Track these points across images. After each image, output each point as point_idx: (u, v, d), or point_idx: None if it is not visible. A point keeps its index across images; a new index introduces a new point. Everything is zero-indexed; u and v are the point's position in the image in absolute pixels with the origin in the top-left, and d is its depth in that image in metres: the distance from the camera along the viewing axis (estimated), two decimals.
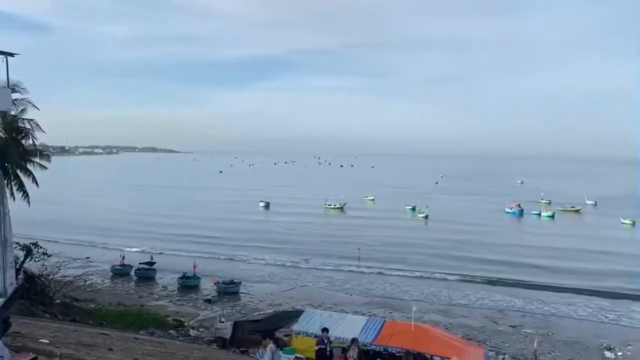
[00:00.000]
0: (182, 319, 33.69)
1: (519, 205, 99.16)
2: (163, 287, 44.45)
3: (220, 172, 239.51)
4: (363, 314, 34.22)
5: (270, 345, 19.13)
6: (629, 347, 31.36)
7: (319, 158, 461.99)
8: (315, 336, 21.72)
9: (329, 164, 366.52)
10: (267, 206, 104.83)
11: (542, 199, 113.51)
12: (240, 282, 43.29)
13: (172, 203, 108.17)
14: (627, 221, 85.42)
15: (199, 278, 44.20)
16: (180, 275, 45.06)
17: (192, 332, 30.93)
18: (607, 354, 30.13)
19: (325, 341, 20.91)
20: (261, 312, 33.44)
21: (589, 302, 41.40)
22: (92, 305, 34.83)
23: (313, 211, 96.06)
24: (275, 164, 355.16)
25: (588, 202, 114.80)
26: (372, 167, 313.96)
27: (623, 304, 40.90)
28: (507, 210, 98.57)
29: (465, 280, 47.84)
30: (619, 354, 30.16)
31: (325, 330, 21.25)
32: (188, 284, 43.78)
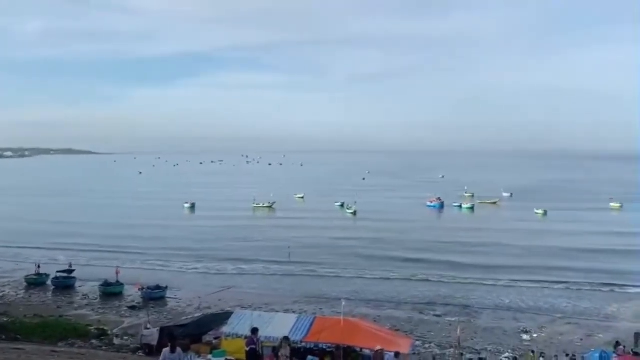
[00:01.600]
0: (105, 328, 32.16)
1: (439, 198, 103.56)
2: (84, 295, 42.22)
3: (140, 173, 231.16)
4: (294, 312, 34.31)
5: (165, 351, 16.56)
6: (543, 329, 33.47)
7: (247, 157, 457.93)
8: (245, 337, 21.48)
9: (258, 162, 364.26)
10: (192, 207, 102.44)
11: (465, 192, 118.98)
12: (166, 287, 41.98)
13: (89, 208, 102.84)
14: (539, 211, 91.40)
15: (122, 284, 42.35)
16: (101, 282, 43.00)
17: (117, 341, 29.62)
18: (524, 336, 31.99)
19: (255, 341, 20.76)
20: (189, 317, 32.60)
21: (508, 289, 43.66)
22: (5, 319, 32.51)
23: (241, 211, 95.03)
24: (201, 163, 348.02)
25: (505, 194, 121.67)
26: (302, 165, 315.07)
27: (539, 291, 43.41)
28: (429, 204, 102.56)
29: (392, 273, 49.02)
30: (534, 335, 32.11)
31: (255, 330, 21.09)
32: (110, 291, 41.85)
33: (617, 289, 43.16)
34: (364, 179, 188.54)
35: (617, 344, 28.95)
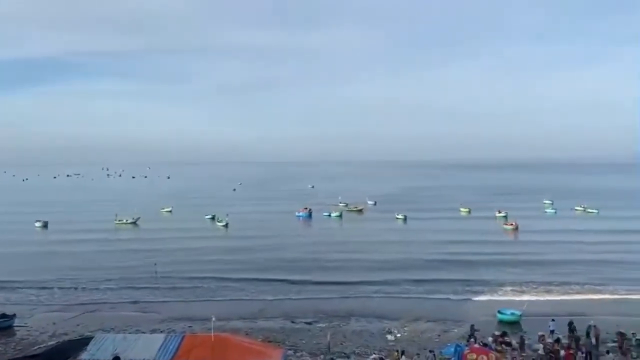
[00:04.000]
0: None
1: (306, 208, 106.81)
2: None
3: None
4: (162, 331, 32.84)
5: None
6: (405, 328, 35.64)
7: (108, 169, 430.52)
8: None
9: (120, 175, 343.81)
10: (45, 226, 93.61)
11: (340, 202, 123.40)
12: (14, 315, 37.74)
13: None
14: (400, 217, 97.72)
15: None
16: None
17: None
18: (389, 337, 33.80)
19: None
20: (42, 345, 29.63)
21: (374, 292, 45.85)
22: None
23: (102, 228, 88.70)
24: (55, 177, 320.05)
25: (369, 202, 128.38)
26: (169, 178, 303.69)
27: (403, 291, 46.23)
28: (298, 214, 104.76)
29: (263, 284, 48.96)
30: (398, 335, 34.06)
31: (116, 359, 19.83)
32: None
33: (467, 287, 47.26)
34: (234, 190, 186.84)
35: (472, 333, 31.83)
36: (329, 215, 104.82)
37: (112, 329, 34.12)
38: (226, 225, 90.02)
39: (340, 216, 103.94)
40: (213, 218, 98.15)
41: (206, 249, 68.03)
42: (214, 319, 23.78)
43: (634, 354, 29.83)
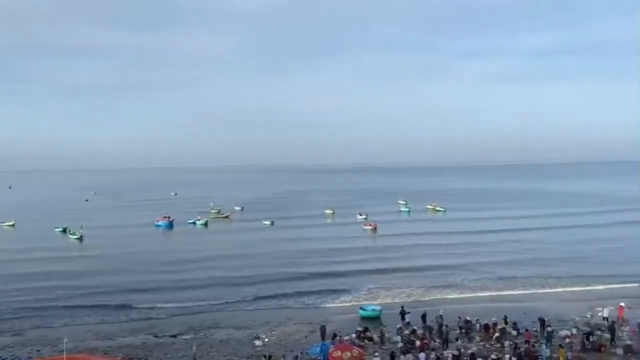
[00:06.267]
0: None
1: (167, 217, 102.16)
2: None
3: None
4: (3, 359, 29.49)
5: None
6: (273, 332, 35.78)
7: None
8: None
9: None
10: None
11: (212, 208, 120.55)
12: None
13: None
14: (267, 222, 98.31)
15: None
16: None
17: None
18: (257, 342, 33.63)
19: None
20: None
21: (241, 302, 45.45)
22: None
23: None
24: None
25: (236, 207, 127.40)
26: (10, 187, 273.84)
27: (270, 298, 46.34)
28: (157, 223, 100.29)
29: (113, 310, 43.99)
30: (266, 340, 34.07)
31: None
32: None
33: (330, 289, 48.88)
34: (87, 200, 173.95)
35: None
36: (194, 223, 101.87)
37: None
38: (80, 239, 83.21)
39: (206, 224, 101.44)
40: (64, 231, 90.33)
41: (57, 265, 62.16)
42: (66, 339, 21.92)
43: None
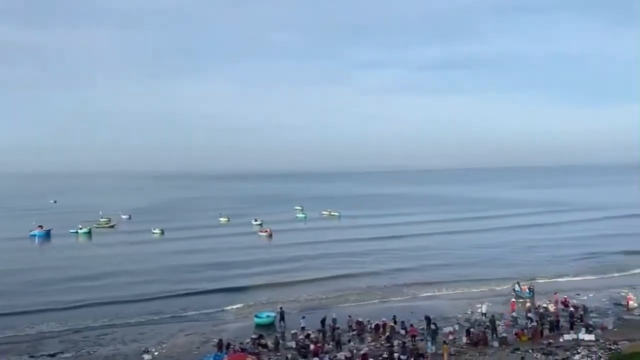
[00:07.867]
0: None
1: (41, 226, 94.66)
2: None
3: None
4: None
5: None
6: (163, 345, 34.15)
7: None
8: None
9: None
10: None
11: (101, 217, 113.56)
12: None
13: None
14: (157, 231, 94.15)
15: None
16: None
17: None
18: (146, 356, 31.91)
19: None
20: None
21: (120, 314, 42.93)
22: None
23: None
24: None
25: (123, 216, 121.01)
26: None
27: (158, 311, 43.94)
28: (33, 233, 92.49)
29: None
30: (156, 354, 32.44)
31: None
32: None
33: (224, 298, 47.92)
34: None
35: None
36: (77, 233, 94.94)
37: None
38: None
39: (89, 233, 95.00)
40: None
41: None
42: None
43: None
